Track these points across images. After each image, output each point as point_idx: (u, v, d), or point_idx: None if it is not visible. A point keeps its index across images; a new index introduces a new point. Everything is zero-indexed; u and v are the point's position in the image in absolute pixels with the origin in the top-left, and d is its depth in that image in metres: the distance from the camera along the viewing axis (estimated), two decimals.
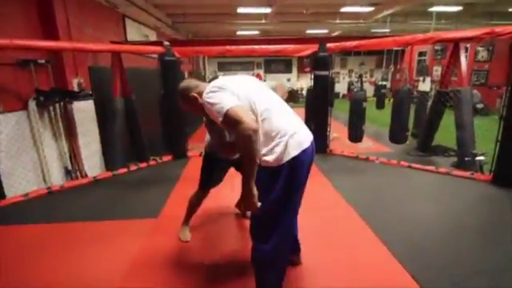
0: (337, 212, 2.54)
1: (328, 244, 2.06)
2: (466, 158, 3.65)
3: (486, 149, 3.55)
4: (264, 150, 1.28)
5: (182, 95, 1.43)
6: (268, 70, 13.96)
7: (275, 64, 13.86)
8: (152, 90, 4.38)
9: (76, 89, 3.63)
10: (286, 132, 1.27)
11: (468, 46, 5.58)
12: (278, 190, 1.27)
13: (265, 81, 4.39)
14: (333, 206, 2.64)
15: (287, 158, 1.25)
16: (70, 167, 3.60)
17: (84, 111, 3.73)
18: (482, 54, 9.09)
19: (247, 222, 1.43)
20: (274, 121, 1.28)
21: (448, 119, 4.18)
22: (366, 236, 2.14)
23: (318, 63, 3.85)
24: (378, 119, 6.45)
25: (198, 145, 5.09)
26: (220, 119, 1.17)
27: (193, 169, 3.76)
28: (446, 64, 4.22)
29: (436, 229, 2.22)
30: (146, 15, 6.07)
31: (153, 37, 6.94)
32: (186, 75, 7.78)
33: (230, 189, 2.41)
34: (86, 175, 3.63)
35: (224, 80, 1.34)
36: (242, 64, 13.57)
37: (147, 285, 1.67)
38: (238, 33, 10.12)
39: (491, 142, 3.11)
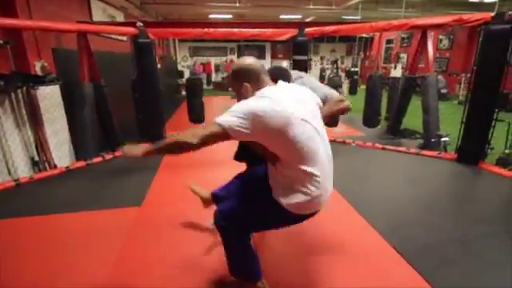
0: None
1: (312, 220, 2.13)
2: (433, 139, 3.93)
3: (447, 131, 3.85)
4: (283, 189, 1.20)
5: (238, 73, 1.23)
6: (241, 56, 13.74)
7: (248, 50, 13.66)
8: (123, 75, 4.15)
9: (39, 73, 3.34)
10: (314, 189, 1.17)
11: (432, 34, 5.94)
12: (265, 212, 1.27)
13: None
14: None
15: (296, 211, 1.21)
16: (36, 158, 3.34)
17: (50, 97, 3.45)
18: (444, 42, 9.67)
19: None
20: (311, 170, 1.15)
21: (413, 105, 4.45)
22: (348, 212, 2.26)
23: (297, 48, 3.86)
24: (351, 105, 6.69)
25: (175, 132, 4.99)
26: None
27: (173, 156, 3.67)
28: (413, 51, 4.44)
29: (411, 203, 2.41)
30: None
31: (120, 18, 6.50)
32: (157, 60, 7.46)
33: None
34: (56, 166, 3.40)
35: (275, 104, 1.09)
36: (215, 49, 13.23)
37: (138, 275, 1.64)
38: (211, 16, 9.80)
39: (451, 124, 3.38)
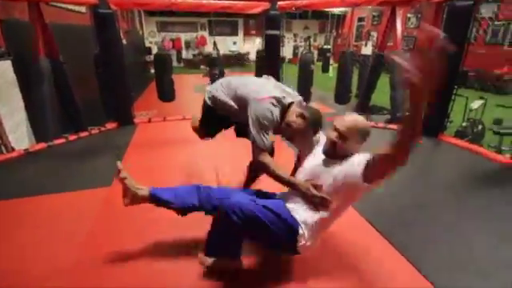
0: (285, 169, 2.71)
1: None
2: (398, 114, 4.13)
3: None
4: (311, 234, 1.30)
5: (364, 134, 1.32)
6: (213, 33, 13.25)
7: (220, 26, 13.19)
8: (85, 50, 3.85)
9: None
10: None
11: (400, 12, 6.08)
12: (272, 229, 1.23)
13: (215, 45, 4.02)
14: (281, 164, 2.81)
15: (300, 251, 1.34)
16: None
17: (1, 73, 3.14)
18: (412, 20, 9.93)
19: None
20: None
21: (381, 82, 4.60)
22: None
23: (270, 22, 3.77)
24: (322, 83, 6.76)
25: (141, 112, 4.78)
26: None
27: (142, 135, 3.55)
28: (382, 29, 4.52)
29: None
30: None
31: None
32: (122, 35, 6.96)
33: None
34: (13, 149, 3.16)
35: None
36: (184, 24, 12.61)
37: (107, 254, 1.61)
38: None
39: None
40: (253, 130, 1.40)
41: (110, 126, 3.75)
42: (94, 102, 3.91)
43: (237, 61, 12.67)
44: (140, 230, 1.79)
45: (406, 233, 1.78)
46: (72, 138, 3.34)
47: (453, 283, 1.42)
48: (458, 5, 2.91)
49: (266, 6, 3.65)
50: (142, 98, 6.20)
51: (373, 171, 1.19)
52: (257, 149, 1.41)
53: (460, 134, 3.60)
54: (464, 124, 3.72)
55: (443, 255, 1.61)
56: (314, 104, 5.24)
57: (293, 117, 1.43)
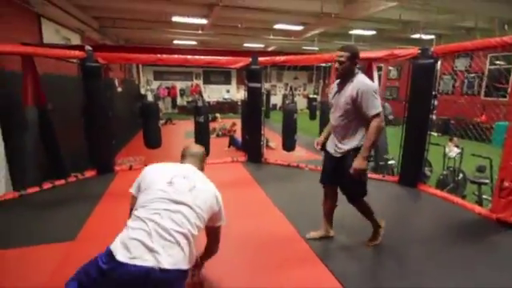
0: (267, 217, 2.65)
1: (260, 249, 2.10)
2: (381, 163, 4.16)
3: (395, 154, 4.11)
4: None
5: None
6: (207, 81, 13.92)
7: (214, 75, 13.90)
8: (75, 99, 3.97)
9: None
10: None
11: (382, 65, 6.50)
12: None
13: (200, 93, 4.14)
14: (264, 212, 2.74)
15: None
16: None
17: None
18: (393, 72, 10.61)
19: None
20: None
21: None
22: (295, 240, 2.25)
23: (251, 75, 3.99)
24: (311, 130, 6.91)
25: (129, 158, 4.76)
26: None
27: (120, 183, 3.49)
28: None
29: (358, 225, 2.42)
30: (67, 16, 5.52)
31: (76, 40, 6.34)
32: (117, 84, 7.27)
33: None
34: None
35: None
36: (180, 74, 13.25)
37: None
38: (175, 42, 9.91)
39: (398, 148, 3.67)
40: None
41: (89, 173, 3.70)
42: (76, 149, 3.91)
43: (229, 108, 13.14)
44: None
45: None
46: (46, 186, 3.26)
47: None
48: (420, 62, 3.15)
49: (246, 61, 3.90)
50: (132, 143, 6.22)
51: None
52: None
53: (442, 183, 3.57)
54: (444, 172, 3.72)
55: None
56: (301, 151, 5.29)
57: None
